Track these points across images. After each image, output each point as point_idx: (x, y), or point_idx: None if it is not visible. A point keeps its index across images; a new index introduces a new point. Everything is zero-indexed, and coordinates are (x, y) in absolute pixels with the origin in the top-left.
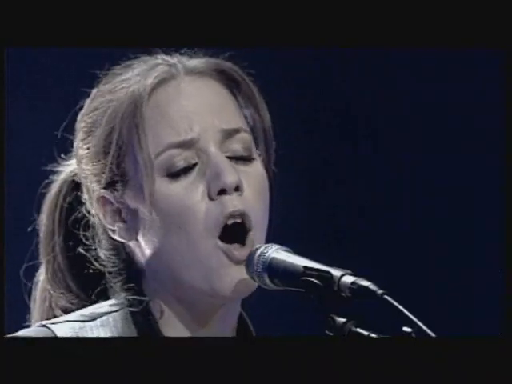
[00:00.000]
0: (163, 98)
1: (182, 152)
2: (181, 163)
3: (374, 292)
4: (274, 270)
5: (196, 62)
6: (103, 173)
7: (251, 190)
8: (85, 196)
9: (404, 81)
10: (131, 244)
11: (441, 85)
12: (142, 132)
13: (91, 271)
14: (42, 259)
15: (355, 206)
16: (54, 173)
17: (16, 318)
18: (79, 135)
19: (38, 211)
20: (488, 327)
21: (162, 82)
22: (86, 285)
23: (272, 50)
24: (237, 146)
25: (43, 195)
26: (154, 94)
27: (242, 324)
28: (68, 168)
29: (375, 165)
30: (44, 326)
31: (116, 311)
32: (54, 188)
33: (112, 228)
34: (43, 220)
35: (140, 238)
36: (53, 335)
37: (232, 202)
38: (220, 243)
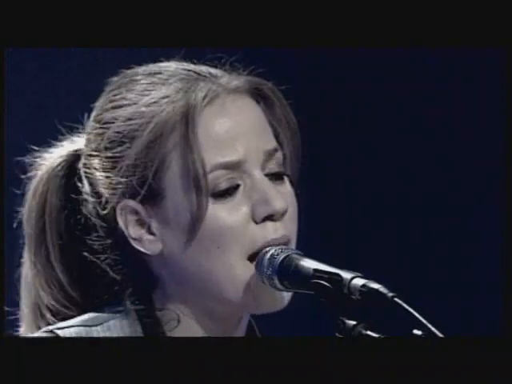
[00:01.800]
0: (208, 117)
1: (227, 173)
2: (225, 184)
3: (384, 294)
4: (284, 272)
5: (236, 81)
6: (139, 186)
7: (288, 210)
8: (90, 199)
9: (404, 81)
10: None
11: (441, 84)
12: (196, 153)
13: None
14: (31, 255)
15: (355, 206)
16: (30, 165)
17: (16, 318)
18: (104, 142)
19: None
20: (488, 327)
21: (209, 102)
22: (81, 282)
23: (272, 50)
24: (273, 164)
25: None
26: (202, 113)
27: (249, 330)
28: (48, 162)
29: (375, 165)
30: (51, 331)
31: (123, 316)
32: (38, 183)
33: (135, 238)
34: (31, 215)
35: (166, 250)
36: None
37: (275, 228)
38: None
